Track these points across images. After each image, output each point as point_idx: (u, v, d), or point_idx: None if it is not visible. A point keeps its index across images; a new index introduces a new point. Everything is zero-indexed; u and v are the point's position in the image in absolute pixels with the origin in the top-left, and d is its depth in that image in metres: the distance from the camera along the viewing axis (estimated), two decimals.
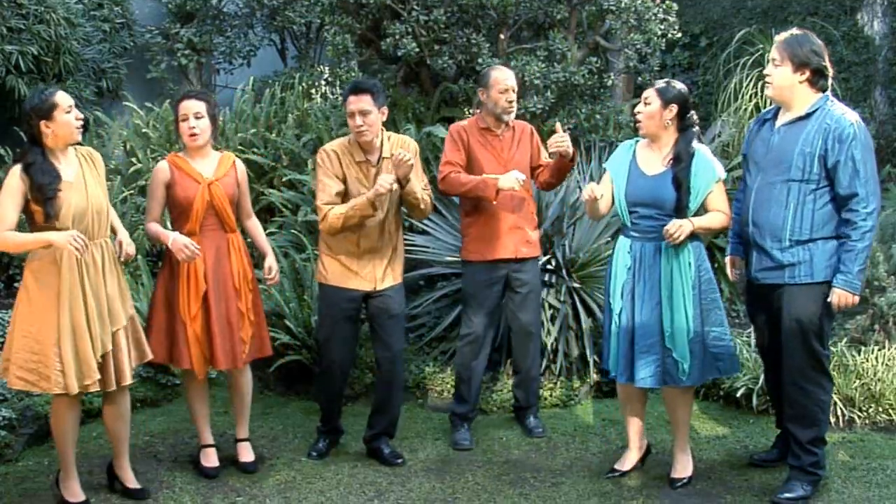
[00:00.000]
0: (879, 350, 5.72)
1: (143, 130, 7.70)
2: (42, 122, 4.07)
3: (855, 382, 5.47)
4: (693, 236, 4.40)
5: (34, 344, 4.07)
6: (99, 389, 4.21)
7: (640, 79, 8.09)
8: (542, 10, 7.64)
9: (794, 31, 4.28)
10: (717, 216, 4.46)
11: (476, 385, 5.31)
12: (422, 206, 4.84)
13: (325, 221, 4.66)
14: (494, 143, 5.14)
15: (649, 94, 4.48)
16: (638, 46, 7.62)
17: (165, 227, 4.73)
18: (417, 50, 7.18)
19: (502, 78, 5.08)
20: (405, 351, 6.11)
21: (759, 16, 11.99)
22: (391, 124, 7.74)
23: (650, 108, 4.46)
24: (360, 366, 5.83)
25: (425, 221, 6.42)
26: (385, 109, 4.77)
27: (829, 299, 4.17)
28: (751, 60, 8.60)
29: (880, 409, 5.41)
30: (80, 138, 4.24)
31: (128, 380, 4.29)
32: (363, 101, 4.63)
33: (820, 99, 4.19)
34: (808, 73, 4.16)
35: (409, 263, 6.65)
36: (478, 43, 7.27)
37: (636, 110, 4.54)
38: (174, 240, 4.43)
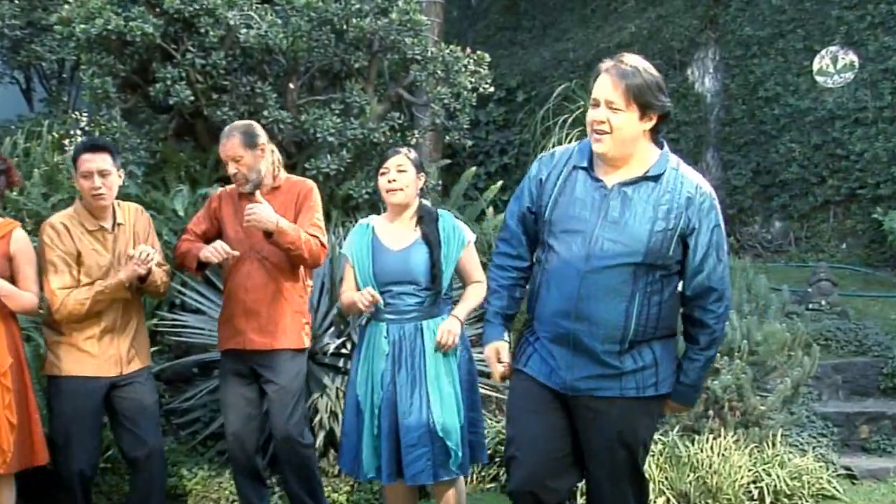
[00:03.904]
0: (714, 439, 6.02)
1: None
2: None
3: (689, 476, 5.75)
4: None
5: None
6: None
7: (448, 137, 8.35)
8: (338, 58, 7.82)
9: (626, 59, 3.70)
10: (476, 290, 4.82)
11: (244, 496, 5.24)
12: (162, 290, 5.03)
13: (63, 309, 4.67)
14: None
15: (402, 161, 4.77)
16: (446, 101, 7.91)
17: None
18: (192, 98, 7.25)
19: (222, 144, 5.04)
20: (175, 452, 6.13)
21: (581, 69, 12.58)
22: (161, 184, 7.74)
23: (408, 176, 4.77)
24: (119, 470, 5.77)
25: (199, 300, 6.49)
26: (122, 172, 4.92)
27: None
28: (571, 118, 9.03)
29: None
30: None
31: None
32: (103, 160, 4.76)
33: (661, 156, 3.73)
34: (654, 120, 3.69)
35: (181, 348, 6.67)
36: (263, 92, 7.41)
37: (390, 179, 4.73)
38: None
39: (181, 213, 6.89)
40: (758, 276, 8.02)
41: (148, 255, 4.68)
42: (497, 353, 3.96)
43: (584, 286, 3.63)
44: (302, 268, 5.10)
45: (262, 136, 5.06)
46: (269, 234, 4.79)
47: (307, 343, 5.18)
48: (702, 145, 12.43)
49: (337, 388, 6.10)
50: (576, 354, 3.70)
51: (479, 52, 8.17)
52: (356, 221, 7.26)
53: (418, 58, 7.78)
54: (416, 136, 8.11)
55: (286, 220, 4.84)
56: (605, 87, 3.63)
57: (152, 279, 4.81)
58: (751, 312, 7.04)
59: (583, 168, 3.77)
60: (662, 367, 3.76)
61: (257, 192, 4.86)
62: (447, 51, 7.90)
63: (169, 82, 7.17)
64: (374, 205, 7.61)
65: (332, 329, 6.35)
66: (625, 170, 3.71)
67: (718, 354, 6.19)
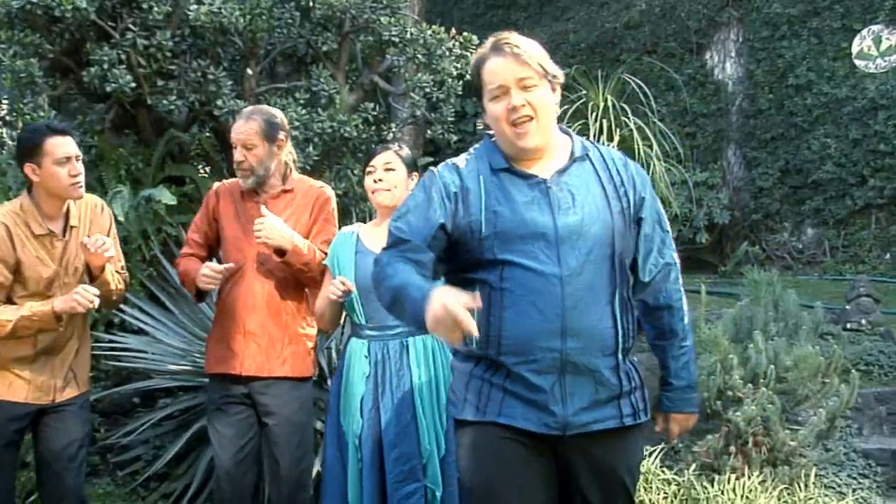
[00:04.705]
0: (737, 479, 5.98)
1: None
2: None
3: None
4: None
5: None
6: None
7: (430, 131, 8.31)
8: (303, 40, 7.80)
9: (508, 37, 3.56)
10: None
11: None
12: (114, 299, 4.96)
13: None
14: (252, 211, 4.93)
15: (390, 158, 4.84)
16: (427, 90, 7.88)
17: None
18: (134, 85, 7.15)
19: (236, 125, 5.05)
20: (111, 495, 6.08)
21: (583, 53, 12.63)
22: (98, 184, 7.69)
23: (396, 175, 4.82)
24: None
25: (143, 318, 6.44)
26: None
27: (658, 428, 3.80)
28: (572, 109, 9.00)
29: None
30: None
31: None
32: (73, 145, 4.70)
33: (573, 135, 3.72)
34: (559, 91, 3.63)
35: (120, 374, 6.62)
36: (217, 79, 7.35)
37: (376, 179, 4.79)
38: None
39: (121, 218, 6.83)
40: (787, 290, 7.93)
41: (103, 244, 4.58)
42: (453, 294, 3.17)
43: (568, 294, 3.44)
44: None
45: (285, 132, 5.01)
46: (281, 253, 4.78)
47: (312, 370, 5.11)
48: (722, 141, 12.43)
49: None
50: (570, 380, 3.49)
51: (465, 34, 8.16)
52: None
53: (396, 40, 7.74)
54: (394, 129, 8.05)
55: (301, 237, 4.84)
56: (509, 66, 3.50)
57: (104, 279, 4.73)
58: (779, 333, 7.00)
59: (504, 170, 3.60)
60: (646, 384, 3.70)
61: (263, 207, 4.81)
62: (429, 32, 7.88)
63: (106, 66, 7.08)
64: (346, 209, 7.58)
65: None
66: (546, 159, 3.60)
67: (741, 381, 6.28)
